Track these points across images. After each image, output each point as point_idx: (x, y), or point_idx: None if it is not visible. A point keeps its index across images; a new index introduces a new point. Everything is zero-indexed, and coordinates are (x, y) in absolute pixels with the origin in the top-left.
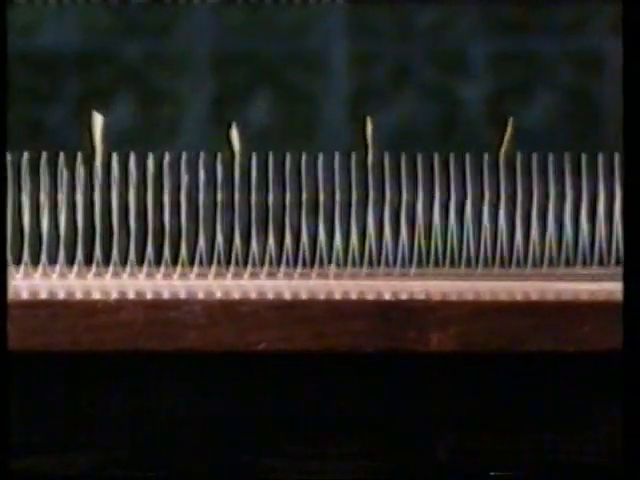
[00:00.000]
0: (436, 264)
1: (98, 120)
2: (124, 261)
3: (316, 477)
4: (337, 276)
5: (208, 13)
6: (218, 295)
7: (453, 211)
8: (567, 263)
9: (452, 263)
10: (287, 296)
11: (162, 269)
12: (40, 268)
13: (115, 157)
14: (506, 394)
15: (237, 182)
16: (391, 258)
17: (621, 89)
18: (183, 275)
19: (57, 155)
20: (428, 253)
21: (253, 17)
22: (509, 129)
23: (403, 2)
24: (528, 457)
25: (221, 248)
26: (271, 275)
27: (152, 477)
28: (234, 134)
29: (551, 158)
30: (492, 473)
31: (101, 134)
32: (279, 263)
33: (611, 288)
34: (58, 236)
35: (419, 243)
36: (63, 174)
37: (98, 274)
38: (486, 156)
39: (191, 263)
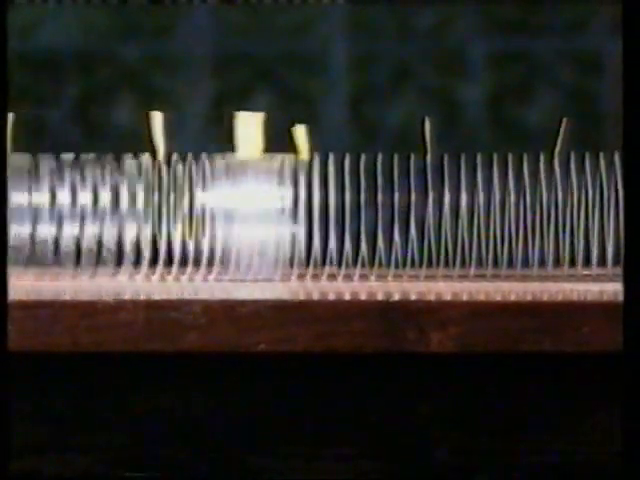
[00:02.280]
0: (437, 265)
1: (158, 118)
2: (124, 262)
3: (316, 477)
4: (337, 277)
5: (208, 13)
6: (218, 296)
7: (452, 212)
8: (567, 264)
9: (452, 264)
10: (287, 297)
11: (162, 270)
12: (40, 269)
13: (117, 158)
14: (506, 394)
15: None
16: (392, 259)
17: (621, 89)
18: (183, 276)
19: (54, 156)
20: (429, 254)
21: (253, 18)
22: (562, 129)
23: (403, 2)
24: (528, 457)
25: (221, 249)
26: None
27: (152, 477)
28: (300, 134)
29: (557, 158)
30: (490, 474)
31: (161, 132)
32: (280, 264)
33: (611, 289)
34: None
35: (418, 244)
36: (65, 175)
37: (98, 275)
38: (486, 156)
39: (193, 264)
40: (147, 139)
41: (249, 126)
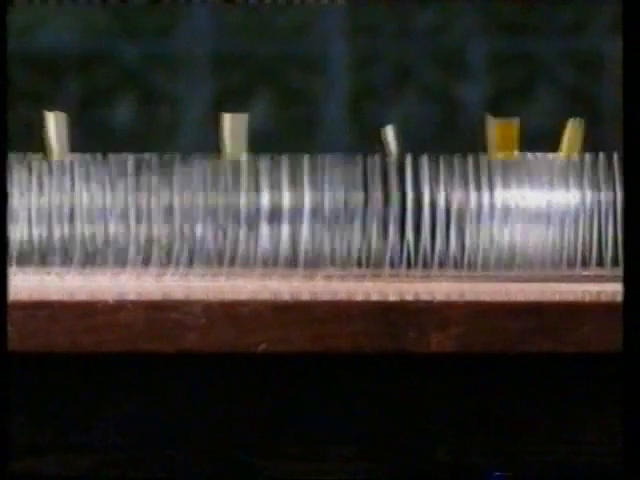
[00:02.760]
0: (436, 265)
1: (51, 119)
2: (124, 262)
3: (316, 477)
4: (337, 277)
5: (208, 13)
6: (219, 296)
7: (453, 212)
8: (567, 264)
9: (452, 264)
10: (287, 297)
11: (162, 270)
12: (40, 269)
13: (116, 158)
14: (506, 395)
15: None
16: (391, 260)
17: (621, 89)
18: (183, 276)
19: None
20: (430, 254)
21: (253, 18)
22: (571, 130)
23: (403, 2)
24: (528, 457)
25: (222, 248)
26: (271, 276)
27: (152, 477)
28: (390, 135)
29: (551, 158)
30: (494, 473)
31: (55, 132)
32: (280, 264)
33: (611, 289)
34: (51, 236)
35: (420, 244)
36: (60, 176)
37: (98, 275)
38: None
39: (192, 264)
40: (41, 139)
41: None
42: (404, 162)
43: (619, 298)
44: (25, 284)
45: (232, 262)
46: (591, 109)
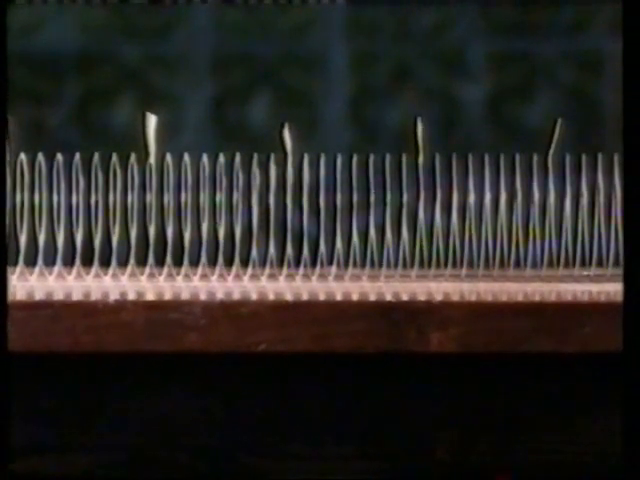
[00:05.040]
0: (437, 265)
1: (152, 121)
2: (125, 262)
3: (316, 477)
4: (338, 277)
5: (208, 13)
6: (219, 296)
7: (454, 212)
8: (567, 264)
9: (453, 264)
10: (288, 297)
11: (162, 270)
12: (40, 269)
13: (115, 159)
14: (506, 394)
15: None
16: (392, 259)
17: (621, 89)
18: (183, 276)
19: (54, 156)
20: (429, 254)
21: (253, 18)
22: (557, 130)
23: (403, 2)
24: (528, 457)
25: (222, 249)
26: (272, 276)
27: (152, 477)
28: (286, 135)
29: (551, 159)
30: (492, 473)
31: (155, 134)
32: (280, 264)
33: (611, 289)
34: (55, 237)
35: (420, 244)
36: (61, 176)
37: (98, 275)
38: (487, 157)
39: (192, 264)
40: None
41: None
42: (402, 163)
43: (619, 298)
44: (26, 284)
45: (233, 262)
46: (591, 109)
